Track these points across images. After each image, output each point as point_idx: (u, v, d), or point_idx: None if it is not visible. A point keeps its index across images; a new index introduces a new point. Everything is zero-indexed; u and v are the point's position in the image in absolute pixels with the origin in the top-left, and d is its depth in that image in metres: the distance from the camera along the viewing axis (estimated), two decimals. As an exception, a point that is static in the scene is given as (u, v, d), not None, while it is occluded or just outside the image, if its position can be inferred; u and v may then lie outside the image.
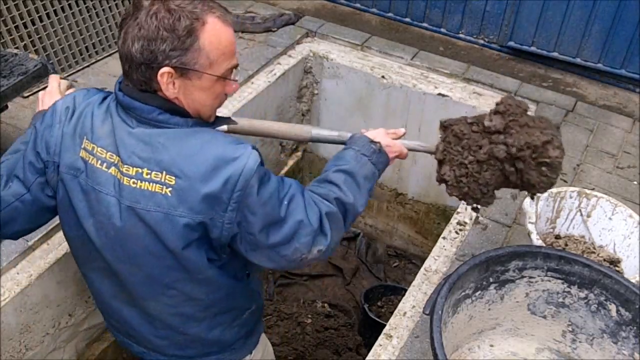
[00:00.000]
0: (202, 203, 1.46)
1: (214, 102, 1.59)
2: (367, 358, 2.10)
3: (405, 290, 2.37)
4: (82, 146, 1.58)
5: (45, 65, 2.46)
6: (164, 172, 1.47)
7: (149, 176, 1.49)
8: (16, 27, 3.13)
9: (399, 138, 1.95)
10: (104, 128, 1.56)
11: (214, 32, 1.47)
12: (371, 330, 3.38)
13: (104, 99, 1.63)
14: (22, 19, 3.14)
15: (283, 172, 4.12)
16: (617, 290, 1.75)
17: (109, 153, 1.54)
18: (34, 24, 3.21)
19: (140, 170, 1.49)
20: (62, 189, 1.63)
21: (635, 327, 1.75)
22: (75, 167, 1.59)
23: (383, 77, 3.64)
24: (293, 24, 4.03)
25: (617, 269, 2.18)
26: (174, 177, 1.47)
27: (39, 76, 2.47)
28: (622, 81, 3.59)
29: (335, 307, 3.82)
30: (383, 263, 4.23)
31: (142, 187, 1.49)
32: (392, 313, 2.27)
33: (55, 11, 3.30)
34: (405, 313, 2.23)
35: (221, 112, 3.24)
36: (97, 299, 1.87)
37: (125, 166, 1.50)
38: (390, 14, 4.19)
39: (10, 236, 1.79)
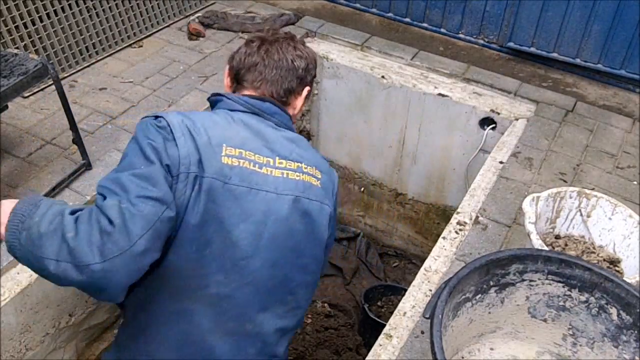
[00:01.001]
0: (333, 197, 1.82)
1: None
2: (367, 358, 2.10)
3: (405, 290, 2.37)
4: (224, 153, 1.62)
5: (45, 65, 2.46)
6: (315, 167, 1.78)
7: (307, 170, 1.75)
8: (16, 27, 3.12)
9: None
10: (241, 134, 1.69)
11: None
12: (371, 330, 3.38)
13: (214, 114, 1.75)
14: (22, 19, 3.13)
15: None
16: (618, 294, 1.75)
17: (257, 155, 1.68)
18: (34, 24, 3.20)
19: (300, 165, 1.74)
20: (204, 200, 1.57)
21: (636, 331, 1.75)
22: (224, 173, 1.60)
23: (383, 77, 3.64)
24: (293, 24, 4.03)
25: (617, 269, 2.18)
26: (320, 172, 1.79)
27: (39, 76, 2.46)
28: (622, 81, 3.59)
29: (335, 307, 3.82)
30: (383, 264, 4.24)
31: (305, 180, 1.73)
32: (392, 313, 2.27)
33: (55, 11, 3.29)
34: (405, 313, 2.23)
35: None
36: (182, 340, 1.67)
37: (288, 162, 1.72)
38: (390, 14, 4.19)
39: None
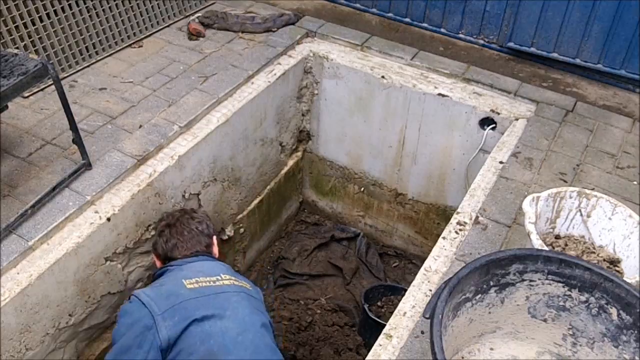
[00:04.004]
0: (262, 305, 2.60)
1: None
2: (367, 358, 2.10)
3: (405, 290, 2.37)
4: (186, 284, 2.27)
5: (45, 65, 2.46)
6: (244, 281, 2.50)
7: (238, 281, 2.45)
8: (16, 27, 3.12)
9: None
10: (190, 274, 2.36)
11: None
12: (371, 330, 3.38)
13: (160, 279, 2.46)
14: (22, 19, 3.13)
15: (283, 172, 4.13)
16: (618, 294, 1.75)
17: (207, 278, 2.35)
18: (34, 24, 3.20)
19: (233, 279, 2.43)
20: (193, 311, 2.19)
21: (636, 331, 1.75)
22: (193, 292, 2.27)
23: (383, 77, 3.64)
24: (293, 24, 4.03)
25: (617, 269, 2.18)
26: (247, 283, 2.53)
27: (39, 76, 2.46)
28: (622, 81, 3.59)
29: (336, 307, 3.82)
30: (383, 264, 4.25)
31: (242, 285, 2.45)
32: (392, 313, 2.28)
33: (55, 11, 3.29)
34: (405, 313, 2.23)
35: (221, 111, 3.25)
36: None
37: (226, 277, 2.42)
38: (390, 14, 4.19)
39: None
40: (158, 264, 2.62)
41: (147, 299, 2.17)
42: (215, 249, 2.65)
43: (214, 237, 2.66)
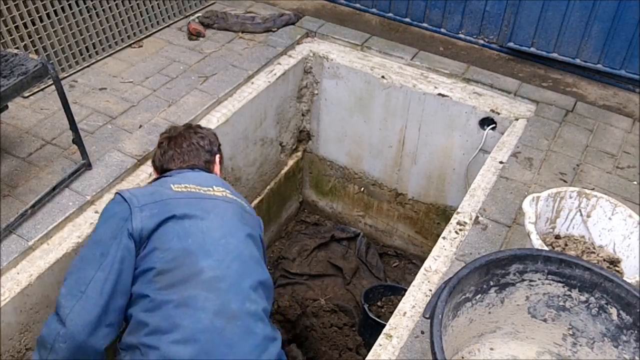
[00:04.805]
0: (258, 225, 2.35)
1: None
2: (367, 358, 2.10)
3: (405, 290, 2.37)
4: (173, 188, 2.11)
5: (45, 65, 2.46)
6: (238, 199, 2.28)
7: (230, 194, 2.25)
8: (16, 27, 3.12)
9: None
10: (181, 180, 2.19)
11: None
12: (371, 330, 3.38)
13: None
14: (22, 19, 3.13)
15: (283, 172, 4.13)
16: (618, 294, 1.75)
17: (197, 186, 2.16)
18: (34, 24, 3.20)
19: (226, 191, 2.25)
20: (172, 208, 2.02)
21: (636, 331, 1.75)
22: (177, 193, 2.10)
23: (383, 77, 3.64)
24: (293, 24, 4.03)
25: (617, 269, 2.18)
26: (243, 201, 2.30)
27: (39, 76, 2.46)
28: (622, 81, 3.59)
29: (336, 307, 3.82)
30: (383, 264, 4.24)
31: (237, 199, 2.25)
32: (392, 313, 2.28)
33: (55, 11, 3.29)
34: (405, 313, 2.23)
35: (221, 111, 3.25)
36: (195, 328, 1.86)
37: (218, 188, 2.22)
38: (390, 14, 4.19)
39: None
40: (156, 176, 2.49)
41: (129, 195, 2.03)
42: (216, 169, 2.44)
43: (217, 157, 2.45)
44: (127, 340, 1.89)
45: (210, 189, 2.17)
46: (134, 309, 1.92)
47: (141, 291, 1.91)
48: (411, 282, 2.39)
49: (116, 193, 2.09)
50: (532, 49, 3.76)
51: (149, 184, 2.46)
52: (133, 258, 1.95)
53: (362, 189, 4.23)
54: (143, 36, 3.81)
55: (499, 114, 3.35)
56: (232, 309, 1.90)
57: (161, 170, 2.38)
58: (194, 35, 3.83)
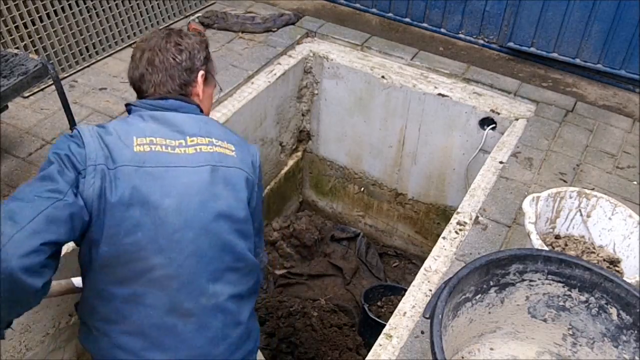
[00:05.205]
0: (252, 166, 1.92)
1: (209, 111, 2.10)
2: (367, 358, 2.10)
3: (405, 290, 2.37)
4: (135, 144, 1.75)
5: (45, 65, 2.46)
6: (225, 141, 1.88)
7: (218, 142, 1.86)
8: (16, 27, 3.12)
9: None
10: (151, 126, 1.82)
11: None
12: (371, 330, 3.38)
13: (125, 119, 1.89)
14: (22, 19, 3.13)
15: (283, 172, 4.13)
16: (618, 294, 1.75)
17: (168, 140, 1.80)
18: (34, 24, 3.20)
19: (211, 139, 1.85)
20: (122, 187, 1.69)
21: (636, 331, 1.75)
22: (137, 159, 1.73)
23: (383, 77, 3.64)
24: (293, 24, 4.03)
25: (616, 269, 2.18)
26: (231, 145, 1.89)
27: (39, 76, 2.46)
28: (622, 81, 3.59)
29: (336, 307, 3.82)
30: (383, 264, 4.24)
31: (218, 151, 1.84)
32: (392, 313, 2.28)
33: (55, 11, 3.29)
34: (405, 313, 2.23)
35: (221, 111, 3.25)
36: (144, 324, 1.77)
37: (198, 138, 1.83)
38: (390, 14, 4.19)
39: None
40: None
41: (89, 141, 1.72)
42: (198, 89, 1.97)
43: (199, 74, 1.97)
44: (83, 317, 1.85)
45: (183, 141, 1.81)
46: (88, 284, 1.80)
47: (90, 276, 1.77)
48: (411, 282, 2.39)
49: (75, 128, 1.78)
50: (532, 49, 3.76)
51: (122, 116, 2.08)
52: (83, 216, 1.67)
53: (362, 189, 4.23)
54: (143, 36, 3.81)
55: (499, 114, 3.35)
56: (185, 307, 1.77)
57: (136, 89, 2.00)
58: (194, 35, 3.82)
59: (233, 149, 1.88)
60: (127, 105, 1.96)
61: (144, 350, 1.76)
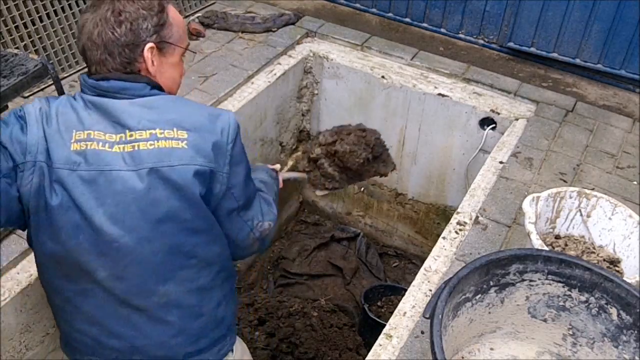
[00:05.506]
0: (212, 151, 1.62)
1: (179, 80, 1.82)
2: (367, 358, 2.10)
3: (405, 290, 2.37)
4: (73, 140, 1.59)
5: (45, 65, 2.45)
6: (175, 129, 1.60)
7: (162, 135, 1.59)
8: (16, 27, 3.12)
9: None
10: (92, 116, 1.61)
11: (174, 10, 1.74)
12: (371, 330, 3.38)
13: (70, 99, 1.68)
14: (22, 19, 3.13)
15: (283, 172, 4.12)
16: (618, 294, 1.75)
17: (107, 134, 1.59)
18: (34, 24, 3.20)
19: (153, 132, 1.58)
20: (60, 191, 1.58)
21: (636, 331, 1.75)
22: (72, 160, 1.57)
23: (383, 77, 3.64)
24: (293, 24, 4.03)
25: (616, 269, 2.18)
26: (185, 132, 1.60)
27: (39, 76, 2.46)
28: (622, 81, 3.59)
29: (336, 307, 3.82)
30: (383, 264, 4.24)
31: (160, 146, 1.58)
32: (392, 313, 2.27)
33: (55, 11, 3.29)
34: (405, 313, 2.23)
35: (221, 112, 3.24)
36: (91, 328, 1.76)
37: (138, 132, 1.58)
38: (390, 14, 4.18)
39: None
40: None
41: (34, 129, 1.59)
42: (147, 65, 1.67)
43: (146, 47, 1.64)
44: (50, 297, 1.83)
45: (123, 135, 1.59)
46: (39, 274, 1.81)
47: (40, 266, 1.76)
48: (411, 282, 2.39)
49: (23, 106, 1.67)
50: (532, 49, 3.76)
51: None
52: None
53: (362, 189, 4.23)
54: (143, 36, 3.80)
55: (499, 114, 3.35)
56: (136, 303, 1.69)
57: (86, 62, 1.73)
58: (193, 35, 3.82)
59: (185, 136, 1.60)
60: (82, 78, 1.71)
61: (100, 337, 1.75)
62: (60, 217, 1.60)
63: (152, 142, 1.58)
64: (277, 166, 2.36)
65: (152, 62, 1.66)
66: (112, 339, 1.75)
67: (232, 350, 1.96)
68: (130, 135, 1.58)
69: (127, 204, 1.58)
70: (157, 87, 1.69)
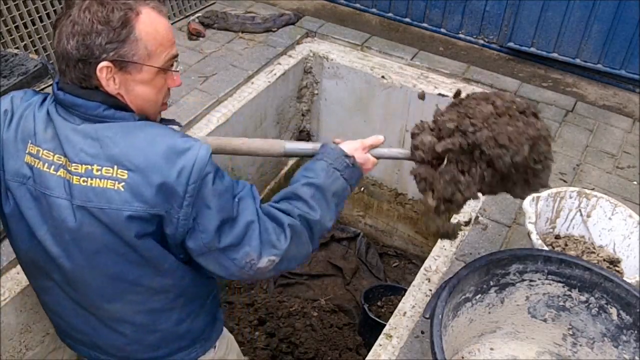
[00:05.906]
0: (157, 195, 1.42)
1: (157, 97, 1.57)
2: (367, 358, 2.10)
3: (405, 290, 2.37)
4: (27, 151, 1.51)
5: (45, 65, 2.46)
6: (115, 167, 1.42)
7: (99, 172, 1.43)
8: (16, 27, 3.12)
9: (378, 147, 1.99)
10: (47, 131, 1.50)
11: (150, 22, 1.52)
12: (371, 330, 3.38)
13: (44, 100, 1.57)
14: (22, 19, 3.13)
15: (283, 172, 4.12)
16: (618, 294, 1.76)
17: (56, 155, 1.48)
18: (34, 24, 3.20)
19: (90, 167, 1.44)
20: (12, 198, 1.55)
21: (636, 331, 1.75)
22: (22, 173, 1.51)
23: (383, 77, 3.64)
24: (293, 24, 4.03)
25: (616, 269, 2.18)
26: (126, 171, 1.42)
27: (39, 76, 2.47)
28: (622, 81, 3.59)
29: (336, 307, 3.82)
30: (383, 264, 4.24)
31: (93, 185, 1.43)
32: (392, 313, 2.27)
33: (55, 11, 3.29)
34: (405, 313, 2.23)
35: (221, 111, 3.25)
36: (57, 317, 1.82)
37: (74, 164, 1.44)
38: (390, 14, 4.19)
39: None
40: None
41: (6, 127, 1.53)
42: (104, 83, 1.46)
43: (98, 67, 1.43)
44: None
45: (66, 161, 1.46)
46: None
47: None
48: (411, 282, 2.39)
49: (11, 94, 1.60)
50: (532, 49, 3.76)
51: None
52: None
53: (362, 189, 4.23)
54: (143, 36, 3.80)
55: (499, 114, 3.34)
56: (90, 310, 1.68)
57: None
58: (194, 35, 3.82)
59: (124, 177, 1.42)
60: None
61: (67, 329, 1.82)
62: (13, 225, 1.60)
63: (85, 179, 1.44)
64: (381, 138, 2.02)
65: (112, 80, 1.46)
66: (76, 333, 1.80)
67: (215, 347, 1.91)
68: (70, 165, 1.45)
69: (63, 232, 1.51)
70: (118, 107, 1.50)
